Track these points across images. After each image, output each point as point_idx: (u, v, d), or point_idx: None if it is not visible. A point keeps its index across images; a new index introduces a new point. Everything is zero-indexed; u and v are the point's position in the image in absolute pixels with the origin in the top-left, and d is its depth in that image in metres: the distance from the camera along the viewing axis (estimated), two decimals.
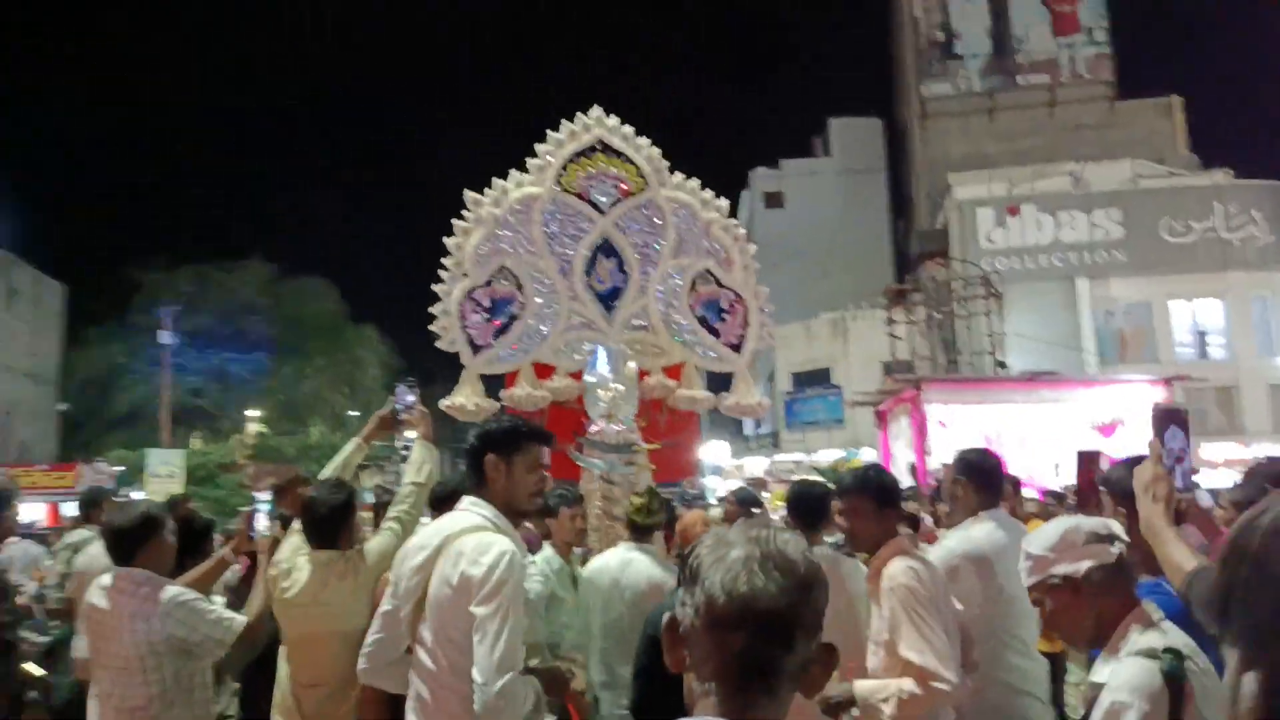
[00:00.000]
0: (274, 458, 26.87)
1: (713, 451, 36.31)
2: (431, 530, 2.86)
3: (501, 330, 7.36)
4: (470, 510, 2.82)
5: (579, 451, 7.12)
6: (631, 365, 7.31)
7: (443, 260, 7.33)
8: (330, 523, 3.61)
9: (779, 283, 41.86)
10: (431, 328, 7.32)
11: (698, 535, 1.69)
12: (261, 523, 4.64)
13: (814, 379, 31.99)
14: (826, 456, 26.85)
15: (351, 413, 35.93)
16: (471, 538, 2.70)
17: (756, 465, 28.55)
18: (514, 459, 2.87)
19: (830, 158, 41.35)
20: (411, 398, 4.15)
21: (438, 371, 7.52)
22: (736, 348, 7.78)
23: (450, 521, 2.82)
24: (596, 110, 7.50)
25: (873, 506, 3.35)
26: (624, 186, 7.52)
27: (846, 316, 32.10)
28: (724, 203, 7.67)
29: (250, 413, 32.86)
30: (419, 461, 3.94)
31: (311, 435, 30.98)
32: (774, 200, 40.86)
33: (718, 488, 29.78)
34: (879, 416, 20.10)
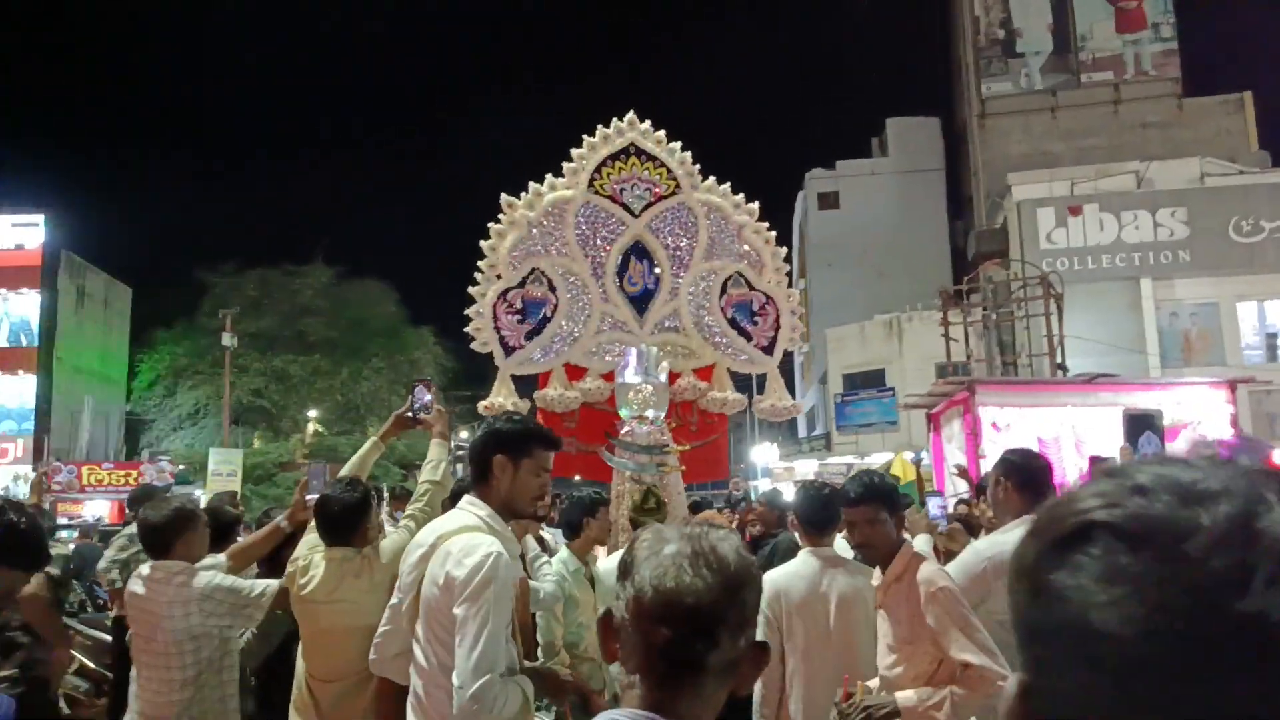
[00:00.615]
0: (331, 457, 27.49)
1: (762, 453, 36.16)
2: (430, 528, 2.93)
3: (534, 331, 7.48)
4: (466, 509, 2.86)
5: (610, 453, 7.20)
6: (664, 367, 7.36)
7: (478, 262, 7.47)
8: (345, 521, 3.68)
9: (834, 284, 40.99)
10: (467, 329, 7.47)
11: None
12: (316, 491, 4.81)
13: (867, 381, 31.62)
14: (878, 459, 26.52)
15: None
16: (461, 538, 2.74)
17: (806, 467, 28.34)
18: (521, 461, 2.89)
19: (887, 158, 40.83)
20: (429, 397, 4.23)
21: (492, 374, 7.68)
22: (768, 350, 7.79)
23: (446, 520, 2.88)
24: (630, 115, 7.58)
25: (886, 514, 3.32)
26: (656, 190, 7.59)
27: (901, 318, 31.67)
28: (755, 206, 7.69)
29: (309, 413, 33.70)
30: (436, 460, 3.99)
31: (368, 435, 31.69)
32: (829, 201, 40.49)
33: (766, 489, 29.64)
34: (931, 420, 19.82)
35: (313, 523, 3.83)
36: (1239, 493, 0.61)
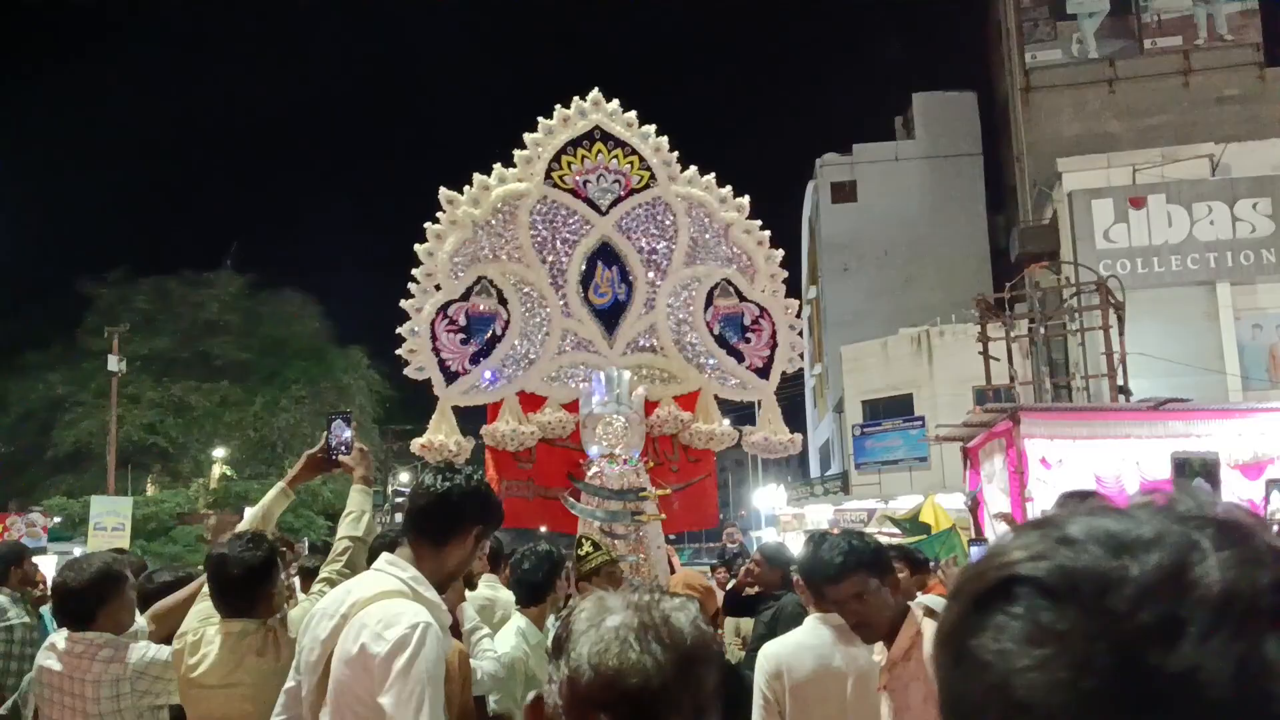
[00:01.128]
0: (242, 507, 27.29)
1: (766, 497, 36.20)
2: (339, 594, 2.89)
3: (481, 353, 7.51)
4: (386, 570, 2.85)
5: (574, 499, 7.23)
6: (638, 394, 7.42)
7: (413, 270, 7.51)
8: (245, 586, 3.63)
9: (850, 292, 41.40)
10: (400, 352, 7.50)
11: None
12: None
13: (891, 408, 31.76)
14: (905, 503, 26.59)
15: None
16: (379, 606, 2.71)
17: (819, 514, 28.40)
18: (483, 532, 2.96)
19: (913, 140, 41.20)
20: (348, 433, 4.25)
21: (434, 404, 7.71)
22: (763, 372, 7.86)
23: (361, 585, 2.85)
24: (594, 93, 7.66)
25: (877, 581, 3.29)
26: (627, 182, 7.67)
27: (931, 332, 31.85)
28: (744, 201, 7.78)
29: (215, 452, 33.44)
30: (357, 511, 3.95)
31: None
32: (844, 193, 40.78)
33: (772, 539, 29.62)
34: (967, 454, 19.96)
35: (205, 588, 3.81)
36: (1171, 541, 0.66)
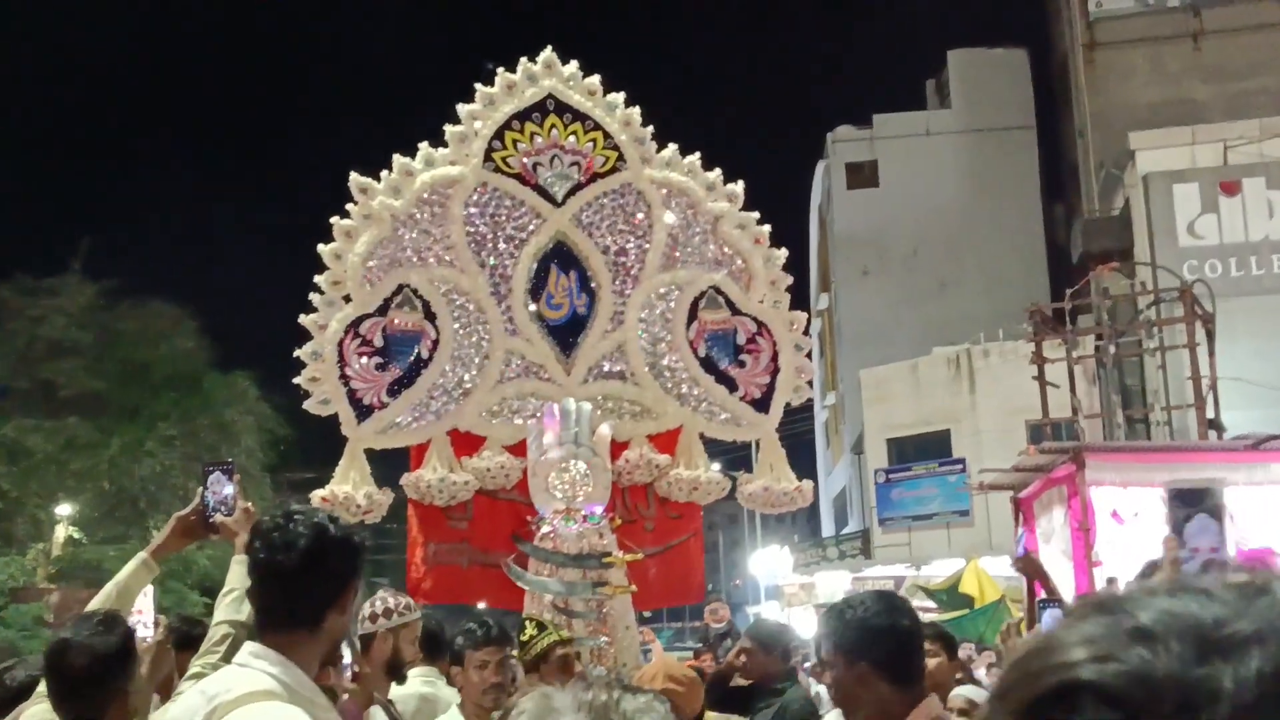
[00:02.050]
0: (94, 579, 26.97)
1: (766, 563, 36.13)
2: (195, 699, 2.87)
3: (402, 382, 7.51)
4: (251, 665, 2.85)
5: (520, 566, 7.23)
6: (602, 433, 7.43)
7: (316, 279, 7.52)
8: (92, 683, 3.59)
9: (871, 301, 41.36)
10: (299, 380, 7.49)
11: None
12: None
13: (924, 449, 31.79)
14: (942, 568, 26.62)
15: None
16: (245, 714, 2.72)
17: (833, 583, 28.39)
18: (357, 588, 2.98)
19: (949, 110, 41.44)
20: (230, 489, 4.24)
21: (340, 446, 7.70)
22: (761, 404, 7.90)
23: (222, 684, 2.84)
24: (546, 53, 7.72)
25: (870, 673, 3.27)
26: (589, 165, 7.72)
27: (974, 352, 31.97)
28: (737, 188, 7.85)
29: (59, 509, 33.03)
30: (239, 588, 3.93)
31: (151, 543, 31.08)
32: (863, 176, 40.97)
33: (778, 620, 29.54)
34: (1020, 507, 20.05)
35: (41, 686, 3.79)
36: (1278, 640, 0.65)
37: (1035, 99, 41.03)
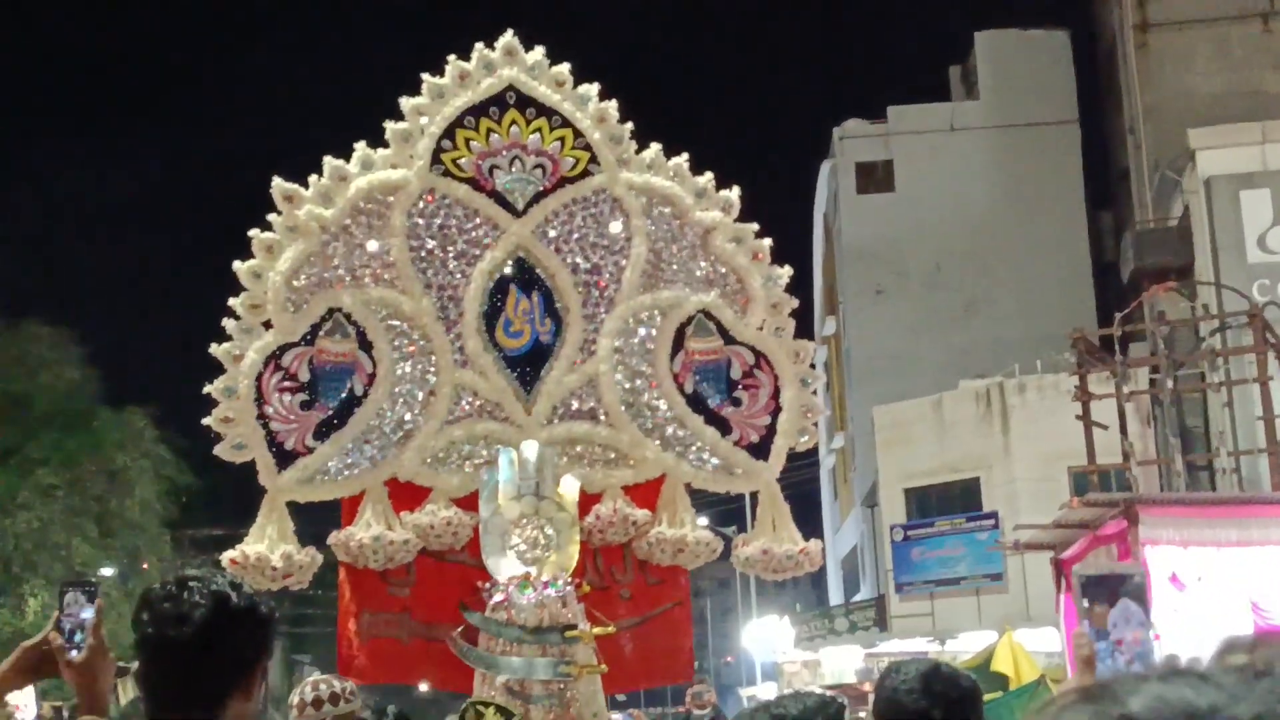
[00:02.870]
0: None
1: (763, 636, 36.02)
2: None
3: (332, 423, 7.50)
4: None
5: (469, 642, 7.21)
6: (569, 483, 7.43)
7: (230, 301, 7.51)
8: None
9: (884, 326, 41.31)
10: (210, 420, 7.47)
11: None
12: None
13: (948, 501, 31.81)
14: (971, 643, 26.62)
15: (105, 571, 35.70)
16: None
17: (842, 661, 28.37)
18: (265, 670, 2.97)
19: (976, 102, 41.67)
20: (88, 614, 4.05)
21: (256, 499, 7.68)
22: (759, 449, 7.91)
23: None
24: (507, 37, 7.75)
25: None
26: (555, 168, 7.73)
27: (1007, 386, 32.04)
28: (732, 195, 7.87)
29: None
30: None
31: (29, 611, 30.81)
32: (875, 178, 41.12)
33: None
34: (1060, 569, 20.15)
35: None
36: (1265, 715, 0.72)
37: (1078, 89, 41.27)
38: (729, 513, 30.01)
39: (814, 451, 39.41)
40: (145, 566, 37.43)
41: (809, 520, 33.71)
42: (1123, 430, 24.92)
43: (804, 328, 8.30)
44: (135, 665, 3.93)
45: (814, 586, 43.27)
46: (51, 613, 4.21)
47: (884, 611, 32.32)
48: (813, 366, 8.20)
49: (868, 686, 21.31)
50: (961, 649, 26.74)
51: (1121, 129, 37.24)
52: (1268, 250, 28.58)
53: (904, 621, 31.02)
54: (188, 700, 2.84)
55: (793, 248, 7.77)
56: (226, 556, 7.55)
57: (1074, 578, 2.92)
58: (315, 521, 7.82)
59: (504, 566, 7.29)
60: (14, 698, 4.30)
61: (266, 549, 7.42)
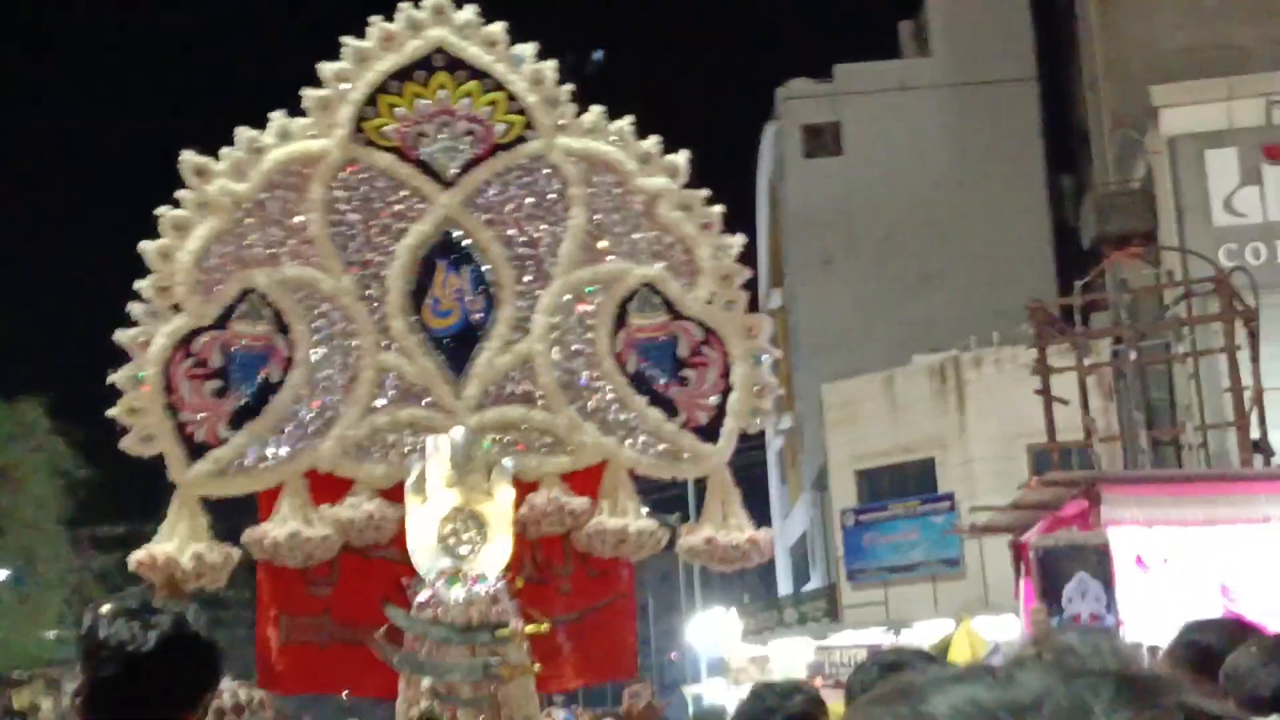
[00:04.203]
0: None
1: (709, 629, 36.06)
2: None
3: (246, 411, 7.45)
4: None
5: (393, 643, 7.19)
6: (502, 470, 7.41)
7: (136, 284, 7.43)
8: None
9: (833, 298, 41.41)
10: (114, 412, 7.40)
11: None
12: None
13: (901, 482, 31.99)
14: (927, 633, 26.82)
15: None
16: None
17: (793, 654, 28.50)
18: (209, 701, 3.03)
19: (929, 59, 41.81)
20: None
21: (164, 494, 7.62)
22: (708, 431, 7.91)
23: None
24: None
25: None
26: (487, 133, 7.70)
27: (963, 361, 32.22)
28: (679, 159, 7.86)
29: None
30: None
31: None
32: (822, 141, 41.16)
33: (719, 700, 29.47)
34: (1020, 553, 20.32)
35: None
36: (1055, 706, 0.77)
37: (1037, 44, 41.48)
38: (669, 499, 30.05)
39: (761, 433, 39.63)
40: (41, 568, 37.18)
41: (756, 507, 33.75)
42: (1084, 405, 25.12)
43: (750, 300, 8.29)
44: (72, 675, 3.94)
45: (762, 577, 43.39)
46: None
47: (835, 601, 32.52)
48: (773, 342, 8.21)
49: (819, 681, 21.41)
50: (917, 639, 26.92)
51: (1081, 86, 37.42)
52: (1235, 213, 28.76)
53: (857, 611, 31.19)
54: None
55: (736, 216, 7.79)
56: (134, 558, 7.50)
57: (1030, 550, 2.95)
58: (232, 515, 7.76)
59: (432, 561, 7.27)
60: None
61: (176, 549, 7.37)
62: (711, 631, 35.32)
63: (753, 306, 8.27)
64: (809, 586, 37.06)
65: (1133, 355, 26.75)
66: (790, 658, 28.25)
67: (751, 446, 39.12)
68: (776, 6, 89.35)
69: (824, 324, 38.27)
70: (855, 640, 28.83)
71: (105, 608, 3.02)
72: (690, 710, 30.14)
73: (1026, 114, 41.05)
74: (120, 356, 7.47)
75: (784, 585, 41.62)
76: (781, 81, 42.35)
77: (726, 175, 45.11)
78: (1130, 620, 15.97)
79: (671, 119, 7.37)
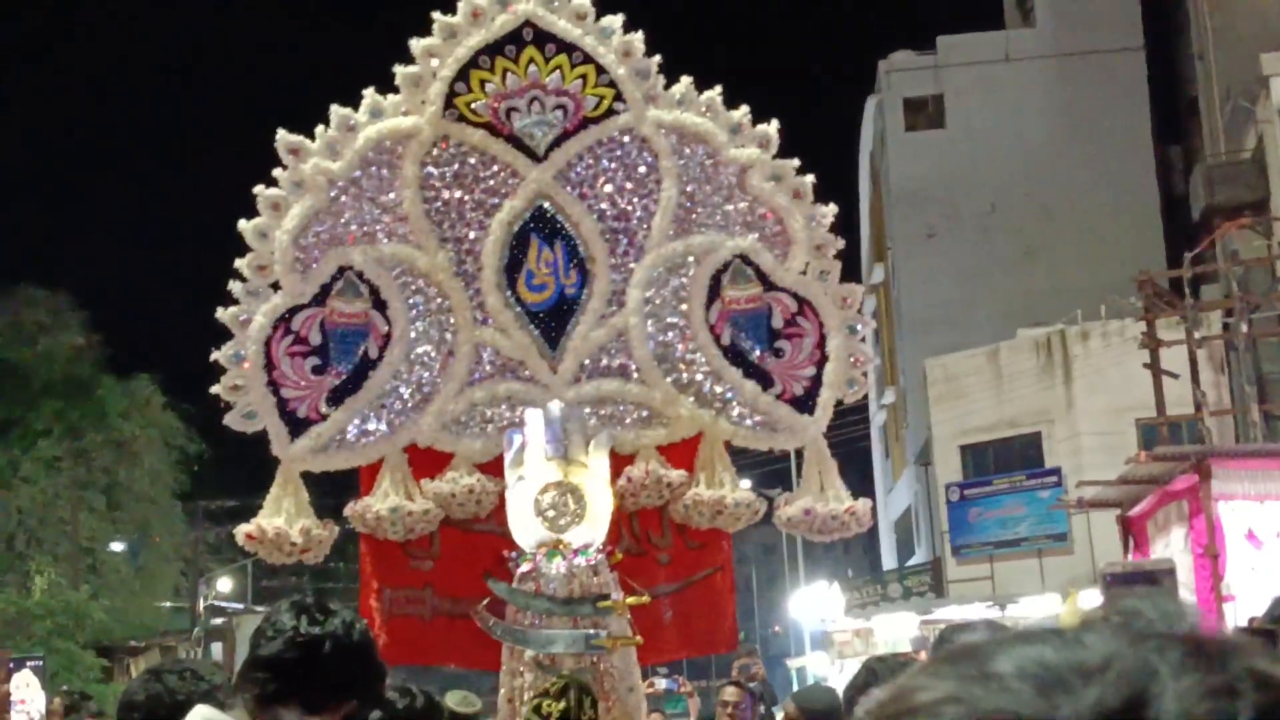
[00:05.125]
0: None
1: (810, 603, 36.07)
2: None
3: (346, 388, 7.51)
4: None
5: (495, 615, 7.23)
6: (600, 444, 7.43)
7: (236, 263, 7.53)
8: None
9: (936, 272, 41.30)
10: (218, 389, 7.50)
11: None
12: None
13: (1008, 457, 31.76)
14: (1034, 608, 26.62)
15: (115, 546, 36.07)
16: None
17: (896, 628, 28.39)
18: (355, 713, 3.20)
19: (1033, 29, 41.39)
20: None
21: (271, 469, 7.72)
22: (804, 402, 7.88)
23: None
24: None
25: None
26: (577, 107, 7.70)
27: (1069, 335, 31.92)
28: (770, 129, 7.83)
29: None
30: None
31: (35, 589, 31.14)
32: (925, 114, 40.89)
33: (822, 673, 29.44)
34: (1129, 527, 20.13)
35: None
36: (1121, 669, 0.77)
37: (1143, 12, 40.93)
38: (772, 473, 30.08)
39: (864, 408, 39.52)
40: (156, 539, 37.73)
41: (860, 480, 33.71)
42: (1194, 378, 24.89)
43: (852, 275, 8.25)
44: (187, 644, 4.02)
45: (866, 551, 43.34)
46: (59, 591, 4.31)
47: (940, 576, 32.38)
48: (860, 311, 8.15)
49: (923, 655, 21.32)
50: (1023, 614, 26.72)
51: (1190, 55, 36.91)
52: None
53: (961, 586, 31.04)
54: (286, 711, 3.04)
55: (837, 190, 7.76)
56: (242, 531, 7.62)
57: (1103, 577, 2.89)
58: (333, 491, 7.85)
59: (531, 534, 7.31)
60: (20, 691, 4.39)
61: (284, 523, 7.47)
62: (815, 605, 35.31)
63: (855, 280, 8.20)
64: (913, 561, 36.91)
65: (1244, 327, 26.44)
66: (894, 632, 28.14)
67: (854, 421, 39.09)
68: None
69: (927, 298, 38.00)
70: (960, 615, 28.69)
71: (286, 601, 3.23)
72: (795, 683, 30.18)
73: (1133, 84, 40.50)
74: (226, 334, 7.57)
75: (888, 559, 41.46)
76: (883, 54, 42.10)
77: (828, 149, 44.98)
78: (1242, 595, 15.81)
79: (772, 94, 7.31)
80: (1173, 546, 18.07)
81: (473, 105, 7.67)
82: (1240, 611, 15.23)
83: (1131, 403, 27.86)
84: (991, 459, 32.23)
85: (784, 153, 7.98)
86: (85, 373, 36.69)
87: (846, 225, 8.31)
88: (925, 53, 41.69)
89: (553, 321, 7.81)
